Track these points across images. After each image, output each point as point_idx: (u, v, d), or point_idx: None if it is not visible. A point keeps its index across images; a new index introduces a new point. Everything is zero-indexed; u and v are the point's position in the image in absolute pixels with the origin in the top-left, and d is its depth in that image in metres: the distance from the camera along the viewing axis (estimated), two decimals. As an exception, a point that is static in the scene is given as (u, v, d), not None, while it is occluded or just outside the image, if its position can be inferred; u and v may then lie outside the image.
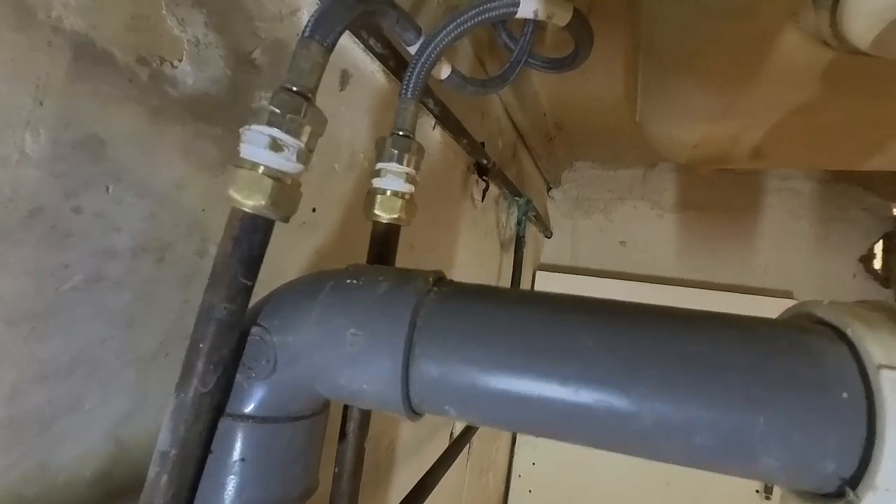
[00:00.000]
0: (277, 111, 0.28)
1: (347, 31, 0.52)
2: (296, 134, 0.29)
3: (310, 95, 0.30)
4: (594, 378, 0.24)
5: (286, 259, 0.50)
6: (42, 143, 0.29)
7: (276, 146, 0.28)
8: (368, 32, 0.51)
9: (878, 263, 1.47)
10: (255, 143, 0.28)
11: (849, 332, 0.23)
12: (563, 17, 0.48)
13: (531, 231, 1.62)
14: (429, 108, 0.69)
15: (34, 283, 0.29)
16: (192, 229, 0.39)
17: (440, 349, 0.27)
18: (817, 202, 1.53)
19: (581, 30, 0.51)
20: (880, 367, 0.21)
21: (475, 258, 1.12)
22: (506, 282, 1.29)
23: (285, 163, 0.29)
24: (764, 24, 0.39)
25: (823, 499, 0.23)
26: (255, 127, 0.28)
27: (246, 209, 0.28)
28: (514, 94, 1.18)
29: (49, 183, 0.29)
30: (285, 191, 0.29)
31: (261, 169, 0.28)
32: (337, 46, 0.53)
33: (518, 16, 0.45)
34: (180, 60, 0.36)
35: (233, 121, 0.41)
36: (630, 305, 0.27)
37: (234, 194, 0.28)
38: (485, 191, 1.00)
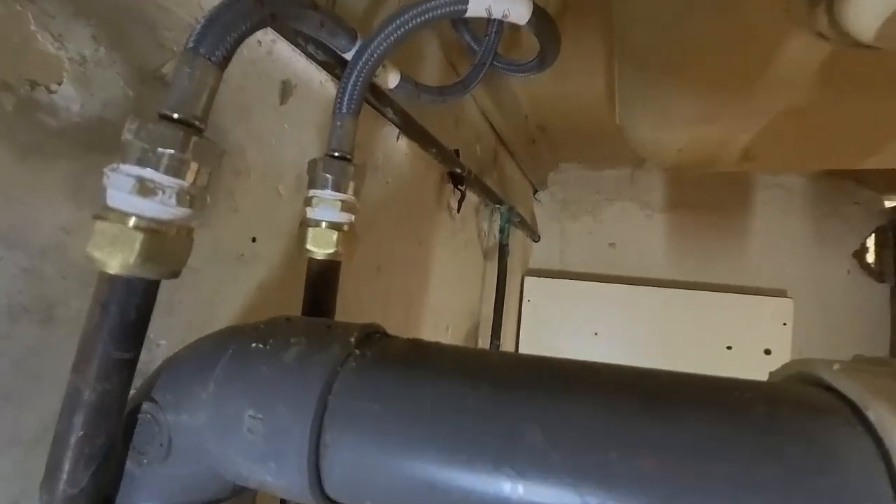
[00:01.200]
0: (147, 146, 0.23)
1: (284, 39, 0.47)
2: (175, 173, 0.23)
3: (196, 123, 0.25)
4: (541, 477, 0.19)
5: (219, 300, 0.44)
6: None
7: (145, 190, 0.23)
8: (306, 39, 0.46)
9: (871, 258, 1.43)
10: (119, 188, 0.23)
11: (871, 416, 0.18)
12: (521, 15, 0.43)
13: (518, 236, 1.57)
14: (389, 118, 0.64)
15: None
16: (88, 278, 0.33)
17: (355, 438, 0.22)
18: (808, 198, 1.49)
19: (544, 29, 0.46)
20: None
21: (455, 272, 1.07)
22: (490, 292, 1.24)
23: (161, 208, 0.23)
24: (753, 18, 0.34)
25: None
26: (120, 166, 0.23)
27: (111, 271, 0.23)
28: (492, 98, 1.13)
29: None
30: (165, 243, 0.24)
31: (131, 220, 0.23)
32: (274, 55, 0.48)
33: (468, 14, 0.40)
34: (59, 83, 0.31)
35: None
36: (594, 381, 0.22)
37: (94, 253, 0.22)
38: (460, 201, 0.94)
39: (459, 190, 0.92)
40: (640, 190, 1.70)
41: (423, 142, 0.75)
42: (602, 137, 1.49)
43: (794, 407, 0.19)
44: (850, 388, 0.19)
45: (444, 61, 0.90)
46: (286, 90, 0.50)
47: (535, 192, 1.84)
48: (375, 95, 0.58)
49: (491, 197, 1.12)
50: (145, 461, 0.26)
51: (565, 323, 1.63)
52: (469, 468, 0.20)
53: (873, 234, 1.42)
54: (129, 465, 0.27)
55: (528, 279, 1.71)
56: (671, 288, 1.55)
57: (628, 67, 0.56)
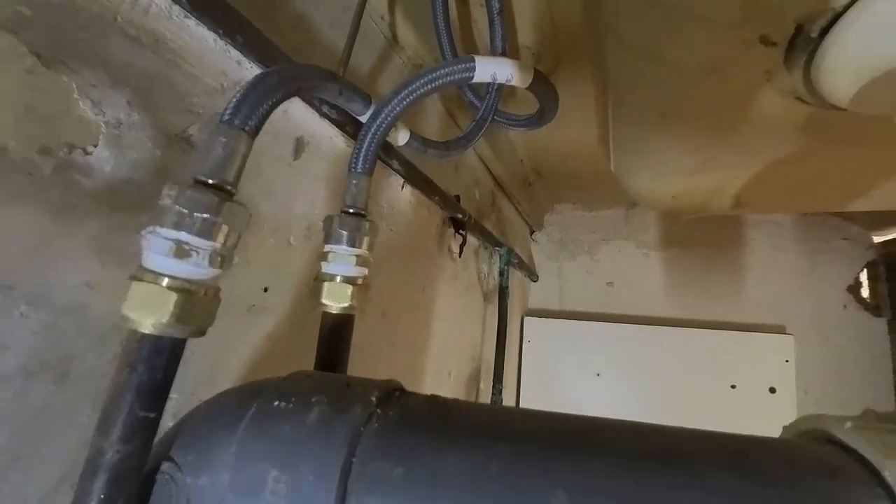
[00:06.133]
0: (184, 211, 0.24)
1: (299, 99, 0.50)
2: (208, 235, 0.24)
3: (228, 188, 0.26)
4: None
5: (231, 351, 0.44)
6: None
7: (181, 252, 0.24)
8: (321, 100, 0.49)
9: (865, 292, 1.45)
10: (157, 250, 0.24)
11: (887, 476, 0.18)
12: (523, 80, 0.46)
13: (517, 276, 1.58)
14: (394, 169, 0.66)
15: None
16: (105, 336, 0.33)
17: (380, 501, 0.22)
18: (799, 234, 1.53)
19: (544, 91, 0.49)
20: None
21: (457, 314, 1.07)
22: (491, 334, 1.23)
23: (194, 269, 0.24)
24: (738, 82, 0.37)
25: None
26: (158, 230, 0.24)
27: (144, 330, 0.23)
28: (489, 144, 1.17)
29: None
30: (196, 302, 0.24)
31: (164, 281, 0.24)
32: (289, 114, 0.51)
33: (475, 80, 0.43)
34: (95, 146, 0.32)
35: (163, 205, 0.37)
36: (612, 435, 0.22)
37: (129, 313, 0.23)
38: (462, 245, 0.96)
39: (461, 234, 0.94)
40: (635, 229, 1.73)
41: (426, 189, 0.78)
42: (596, 179, 1.54)
43: (812, 469, 0.19)
44: (866, 448, 0.19)
45: (445, 113, 0.95)
46: (299, 147, 0.52)
47: (532, 232, 1.87)
48: (383, 148, 0.60)
49: (490, 240, 1.14)
50: (161, 526, 0.26)
51: (567, 364, 1.61)
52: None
53: (865, 269, 1.45)
54: (143, 530, 0.26)
55: (527, 319, 1.70)
56: (670, 326, 1.55)
57: (622, 122, 0.59)
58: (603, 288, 1.72)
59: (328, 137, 0.56)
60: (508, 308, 1.22)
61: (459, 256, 0.99)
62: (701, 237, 1.62)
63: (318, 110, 0.50)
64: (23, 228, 0.29)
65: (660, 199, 0.69)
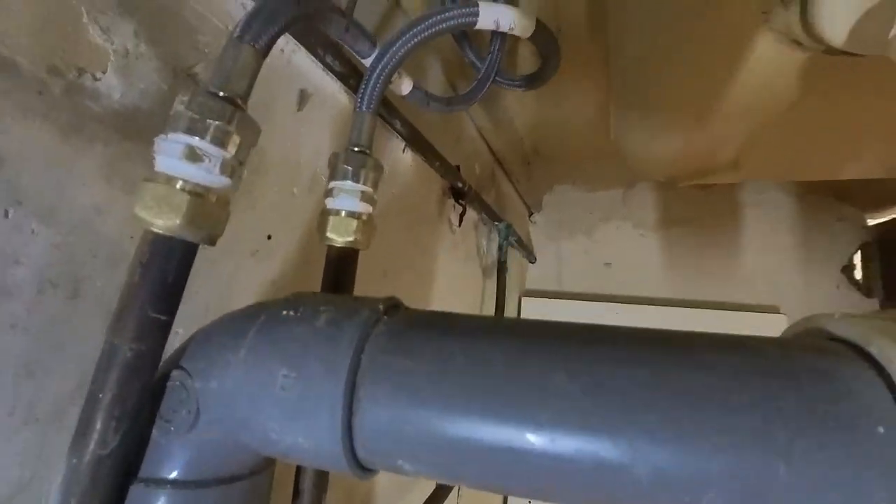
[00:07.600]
0: (196, 117, 0.24)
1: (305, 50, 0.50)
2: (220, 143, 0.25)
3: (239, 101, 0.27)
4: (573, 423, 0.20)
5: (236, 293, 0.45)
6: (-86, 161, 0.25)
7: (193, 156, 0.24)
8: (325, 50, 0.49)
9: (858, 273, 1.47)
10: (169, 154, 0.24)
11: (873, 350, 0.19)
12: (525, 29, 0.46)
13: (515, 257, 1.59)
14: (397, 130, 0.67)
15: None
16: (115, 259, 0.34)
17: (389, 392, 0.23)
18: (795, 215, 1.54)
19: (546, 41, 0.50)
20: (916, 392, 0.17)
21: (456, 284, 1.08)
22: (489, 309, 1.24)
23: (206, 175, 0.25)
24: (733, 21, 0.38)
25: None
26: (170, 135, 0.24)
27: (157, 230, 0.24)
28: (489, 118, 1.18)
29: (-77, 207, 0.25)
30: (206, 208, 0.25)
31: (177, 184, 0.24)
32: (293, 64, 0.51)
33: (478, 26, 0.43)
34: (104, 72, 0.33)
35: (169, 140, 0.37)
36: (612, 330, 0.23)
37: (141, 213, 0.24)
38: (461, 215, 0.97)
39: (461, 204, 0.94)
40: (633, 209, 1.74)
41: (428, 155, 0.78)
42: (594, 159, 1.55)
43: (802, 349, 0.20)
44: (851, 331, 0.20)
45: (446, 82, 0.95)
46: (303, 98, 0.53)
47: (531, 214, 1.88)
48: (385, 107, 0.61)
49: (489, 214, 1.15)
50: (171, 429, 0.27)
51: (563, 343, 1.63)
52: (504, 418, 0.21)
53: (859, 251, 1.47)
54: (154, 433, 0.27)
55: (525, 300, 1.72)
56: (667, 306, 1.57)
57: (623, 80, 0.60)
58: (601, 268, 1.73)
59: (331, 92, 0.56)
60: (507, 287, 1.23)
61: (459, 226, 1.00)
62: (698, 217, 1.63)
63: (322, 60, 0.51)
64: (33, 145, 0.29)
65: (659, 164, 0.70)
